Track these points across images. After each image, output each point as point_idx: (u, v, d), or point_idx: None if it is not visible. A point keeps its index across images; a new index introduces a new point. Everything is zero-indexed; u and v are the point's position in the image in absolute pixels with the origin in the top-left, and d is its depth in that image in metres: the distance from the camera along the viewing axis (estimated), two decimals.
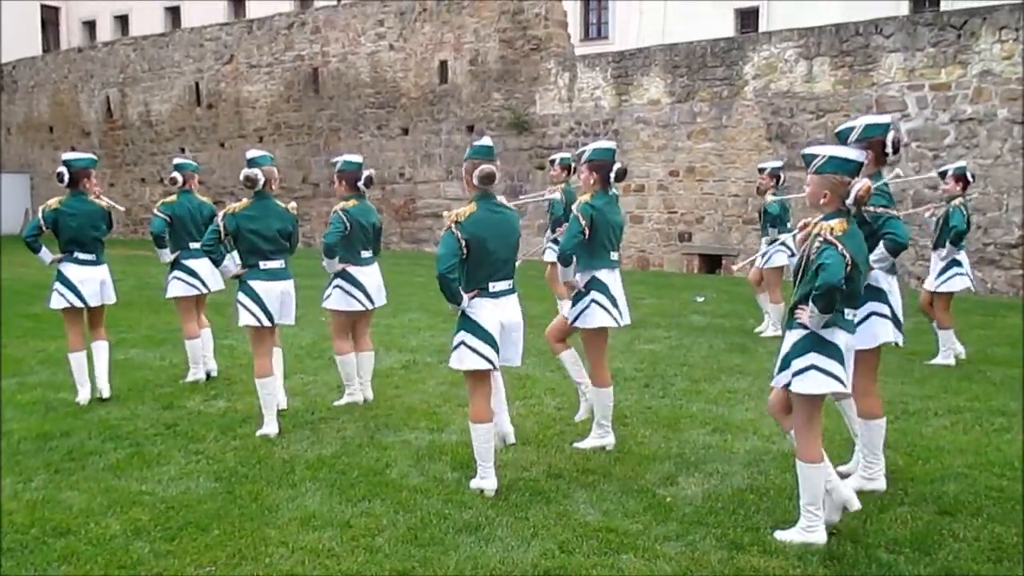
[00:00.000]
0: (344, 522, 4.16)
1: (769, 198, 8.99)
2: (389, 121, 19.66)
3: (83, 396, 6.37)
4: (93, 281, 6.39)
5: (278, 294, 5.69)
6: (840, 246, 3.69)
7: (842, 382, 3.81)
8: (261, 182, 5.63)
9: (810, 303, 3.73)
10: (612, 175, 5.05)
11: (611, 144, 5.27)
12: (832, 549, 3.82)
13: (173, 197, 7.17)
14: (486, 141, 4.72)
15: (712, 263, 15.94)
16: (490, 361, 4.47)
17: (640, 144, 16.35)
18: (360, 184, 6.19)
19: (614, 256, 5.21)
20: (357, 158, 6.42)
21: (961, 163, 8.22)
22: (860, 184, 3.76)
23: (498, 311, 4.53)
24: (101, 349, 6.53)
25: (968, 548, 3.84)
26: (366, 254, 6.23)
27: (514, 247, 4.66)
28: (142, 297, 12.57)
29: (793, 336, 3.90)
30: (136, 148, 24.13)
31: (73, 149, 25.34)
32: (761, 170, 9.34)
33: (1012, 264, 13.11)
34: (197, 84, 22.72)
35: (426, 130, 19.14)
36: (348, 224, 6.01)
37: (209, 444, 5.39)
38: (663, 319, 10.05)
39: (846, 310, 3.88)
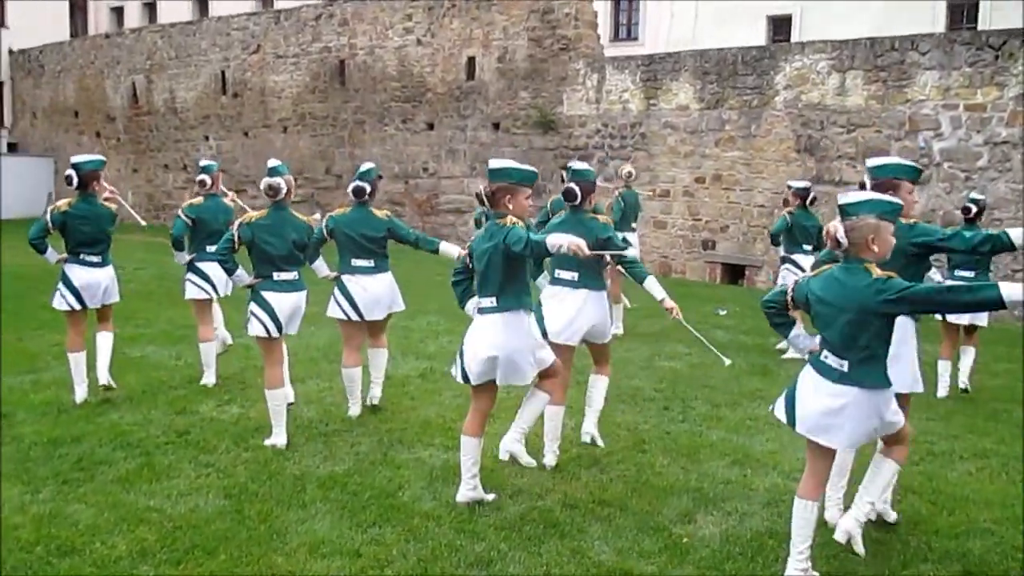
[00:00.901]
0: (353, 551, 4.07)
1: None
2: (415, 115, 19.57)
3: (80, 395, 6.37)
4: (96, 285, 6.34)
5: (290, 306, 5.61)
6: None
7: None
8: (284, 191, 5.55)
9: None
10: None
11: None
12: None
13: (200, 199, 7.09)
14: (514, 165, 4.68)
15: (735, 273, 15.75)
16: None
17: (667, 149, 16.16)
18: (359, 193, 6.11)
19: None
20: (366, 166, 6.37)
21: (976, 195, 7.93)
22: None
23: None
24: (104, 340, 6.47)
25: None
26: (359, 263, 6.10)
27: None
28: (161, 288, 12.57)
29: None
30: (160, 135, 24.18)
31: (98, 135, 25.50)
32: (790, 187, 9.18)
33: None
34: (223, 73, 22.71)
35: (451, 126, 19.03)
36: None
37: (220, 456, 5.33)
38: (684, 333, 9.86)
39: (829, 354, 3.77)
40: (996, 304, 3.51)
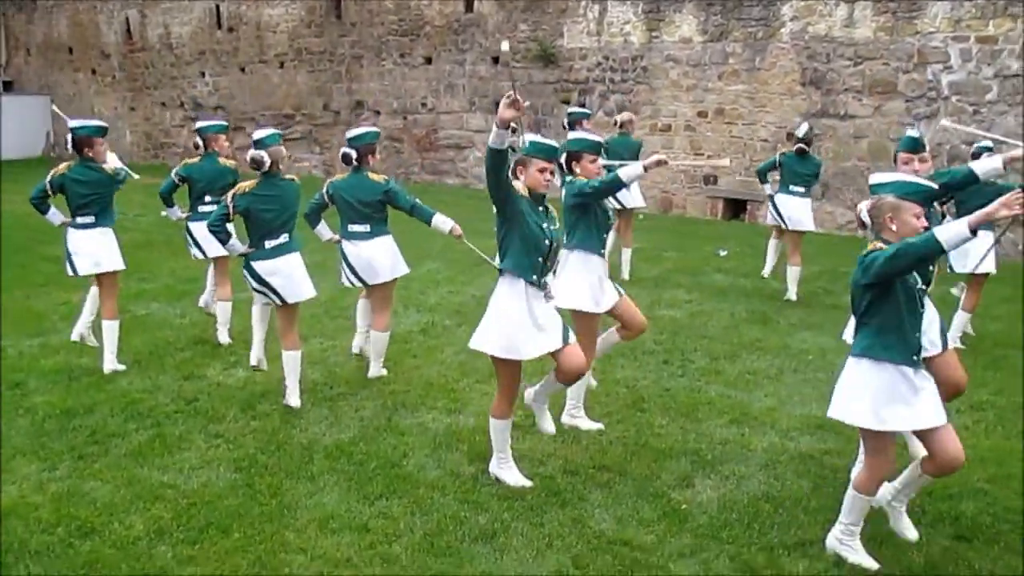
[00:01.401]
0: (362, 525, 4.21)
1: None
2: (412, 50, 19.24)
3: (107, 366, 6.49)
4: (88, 254, 6.37)
5: (285, 270, 5.67)
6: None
7: None
8: (267, 164, 5.54)
9: None
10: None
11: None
12: None
13: (196, 159, 7.11)
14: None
15: (737, 208, 15.71)
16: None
17: (669, 83, 15.92)
18: (347, 160, 6.09)
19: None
20: (358, 130, 6.28)
21: (986, 143, 7.85)
22: None
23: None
24: (108, 330, 6.47)
25: None
26: (355, 228, 6.13)
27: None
28: (162, 236, 12.54)
29: None
30: (156, 72, 23.82)
31: (94, 72, 25.13)
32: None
33: None
34: (217, 7, 22.23)
35: (450, 60, 18.73)
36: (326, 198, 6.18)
37: (229, 425, 5.45)
38: (685, 277, 9.96)
39: None
40: (938, 251, 3.53)
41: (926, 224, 3.77)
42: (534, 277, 4.45)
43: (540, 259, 4.44)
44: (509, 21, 17.78)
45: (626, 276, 9.58)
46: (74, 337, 6.78)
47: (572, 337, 4.56)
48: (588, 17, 16.84)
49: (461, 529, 4.17)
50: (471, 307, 8.29)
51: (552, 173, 4.48)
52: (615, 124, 10.24)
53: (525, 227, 4.38)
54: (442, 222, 5.92)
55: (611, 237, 9.12)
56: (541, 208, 4.49)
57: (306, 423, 5.46)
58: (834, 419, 5.49)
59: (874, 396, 3.80)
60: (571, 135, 5.48)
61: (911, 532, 4.18)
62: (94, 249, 6.39)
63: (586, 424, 5.39)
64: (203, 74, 22.73)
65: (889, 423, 3.78)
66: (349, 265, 6.12)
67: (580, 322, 5.15)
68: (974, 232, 3.41)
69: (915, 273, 3.79)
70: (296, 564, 3.88)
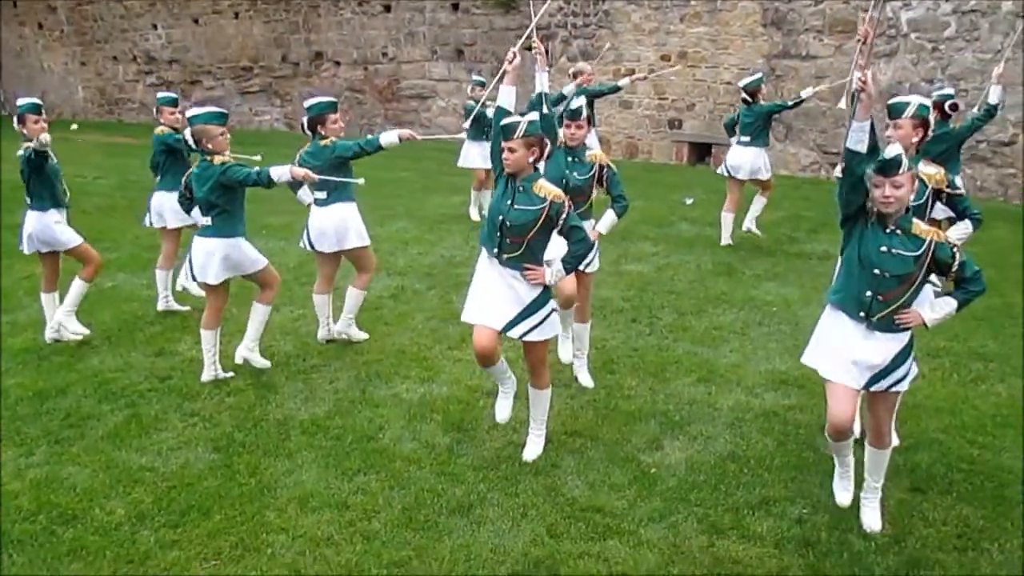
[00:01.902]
0: (341, 502, 4.30)
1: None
2: None
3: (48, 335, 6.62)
4: (30, 230, 6.39)
5: (212, 258, 5.64)
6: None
7: None
8: (194, 143, 5.54)
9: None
10: None
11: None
12: (808, 536, 4.01)
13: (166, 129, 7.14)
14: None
15: (702, 152, 15.77)
16: None
17: (631, 27, 15.82)
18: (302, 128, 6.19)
19: None
20: (310, 100, 6.24)
21: (948, 90, 8.01)
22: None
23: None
24: (46, 300, 6.64)
25: (936, 534, 4.03)
26: (317, 195, 6.16)
27: None
28: (125, 200, 12.37)
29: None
30: (106, 24, 23.14)
31: (40, 27, 24.34)
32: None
33: (1003, 163, 13.04)
34: None
35: (409, 7, 18.41)
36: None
37: (204, 402, 5.49)
38: (651, 229, 10.05)
39: None
40: (850, 154, 3.77)
41: (887, 194, 3.78)
42: (494, 251, 4.50)
43: (497, 234, 4.46)
44: None
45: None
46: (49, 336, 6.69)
47: (527, 330, 4.48)
48: None
49: (438, 502, 4.29)
50: (440, 268, 8.35)
51: (511, 151, 4.40)
52: (572, 74, 10.16)
53: (492, 203, 4.53)
54: (391, 138, 5.96)
55: None
56: (516, 187, 4.45)
57: (281, 398, 5.52)
58: (797, 374, 5.72)
59: (817, 335, 4.05)
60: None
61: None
62: (31, 229, 6.43)
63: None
64: (155, 26, 22.15)
65: (808, 358, 4.06)
66: (307, 228, 6.23)
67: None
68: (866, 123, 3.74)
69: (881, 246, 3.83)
70: (278, 544, 3.98)
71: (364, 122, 19.13)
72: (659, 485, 4.46)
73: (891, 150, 3.76)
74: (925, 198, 4.58)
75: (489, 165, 10.25)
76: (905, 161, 3.73)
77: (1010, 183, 13.01)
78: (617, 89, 10.45)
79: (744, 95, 9.11)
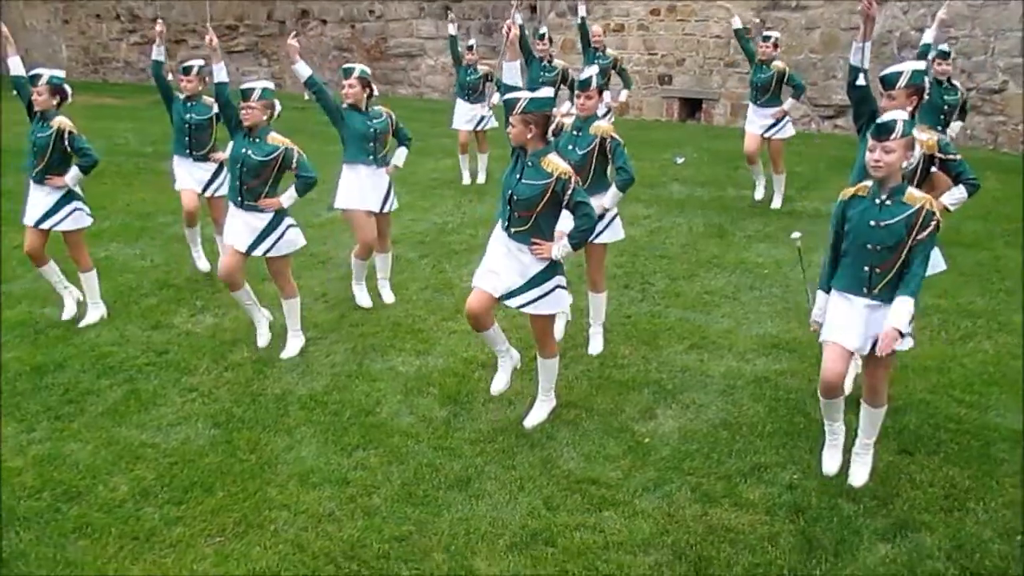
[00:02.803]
0: (341, 478, 4.38)
1: (779, 64, 8.89)
2: None
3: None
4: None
5: None
6: None
7: None
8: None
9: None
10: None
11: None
12: (799, 501, 4.11)
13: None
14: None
15: (692, 107, 15.70)
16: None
17: None
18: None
19: None
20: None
21: (943, 47, 7.98)
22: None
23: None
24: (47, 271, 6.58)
25: (923, 496, 4.14)
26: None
27: None
28: (112, 165, 12.21)
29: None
30: None
31: None
32: (766, 38, 9.01)
33: (993, 110, 13.02)
34: None
35: None
36: None
37: (202, 376, 5.54)
38: (643, 191, 10.03)
39: None
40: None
41: (876, 158, 3.85)
42: (505, 224, 4.62)
43: (507, 208, 4.58)
44: None
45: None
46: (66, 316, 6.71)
47: (526, 302, 4.59)
48: None
49: (437, 476, 4.37)
50: (433, 236, 8.37)
51: (512, 126, 4.47)
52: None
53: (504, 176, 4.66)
54: (300, 68, 6.14)
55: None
56: (525, 162, 4.51)
57: (279, 372, 5.58)
58: (787, 338, 5.80)
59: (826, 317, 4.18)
60: None
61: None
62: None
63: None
64: None
65: (815, 317, 4.28)
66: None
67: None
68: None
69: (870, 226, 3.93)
70: (281, 520, 4.06)
71: None
72: (653, 455, 4.55)
73: (889, 114, 3.87)
74: (916, 163, 4.58)
75: (470, 127, 10.43)
76: (900, 128, 3.78)
77: (1000, 131, 13.02)
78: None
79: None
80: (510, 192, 4.54)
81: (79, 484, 4.40)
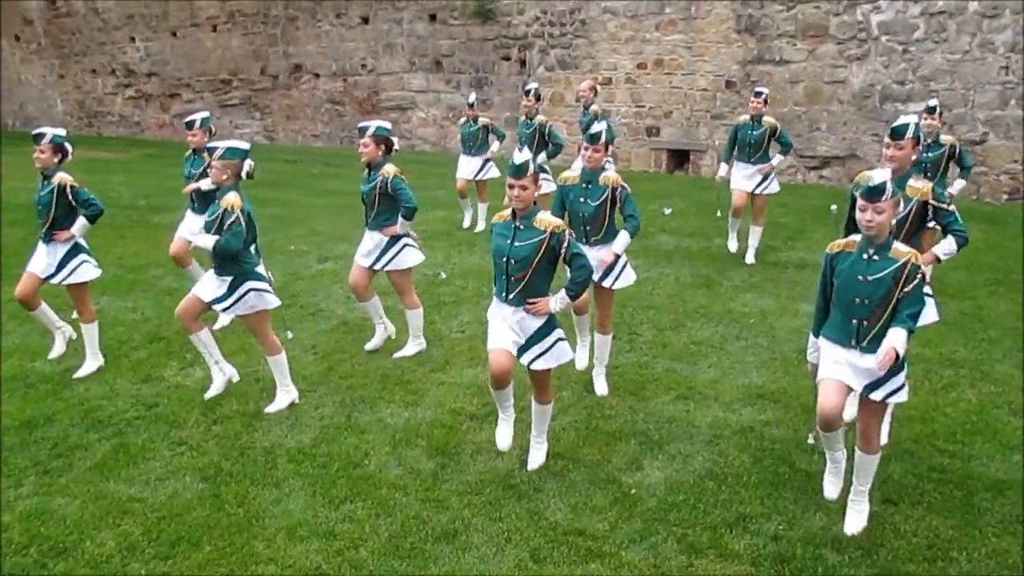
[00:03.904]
0: (328, 531, 4.39)
1: (770, 120, 9.04)
2: (348, 9, 18.92)
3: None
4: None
5: None
6: None
7: None
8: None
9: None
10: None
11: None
12: (783, 552, 4.14)
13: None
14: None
15: (680, 159, 15.93)
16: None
17: (607, 35, 15.96)
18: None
19: None
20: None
21: (932, 102, 8.20)
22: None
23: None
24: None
25: (907, 546, 4.17)
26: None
27: None
28: (105, 217, 12.17)
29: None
30: (84, 37, 23.09)
31: (17, 39, 24.26)
32: (758, 94, 9.16)
33: (974, 162, 13.23)
34: None
35: (387, 19, 18.48)
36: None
37: (191, 431, 5.56)
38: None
39: None
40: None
41: (868, 218, 3.99)
42: (502, 295, 4.73)
43: (503, 277, 4.69)
44: None
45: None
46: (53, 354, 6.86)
47: (534, 357, 4.73)
48: None
49: (424, 529, 4.38)
50: (423, 288, 8.41)
51: (523, 188, 4.56)
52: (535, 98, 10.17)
53: (492, 246, 4.75)
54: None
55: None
56: (515, 225, 4.63)
57: (267, 425, 5.60)
58: (773, 388, 5.86)
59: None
60: None
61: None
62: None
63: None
64: (133, 39, 22.13)
65: (810, 357, 4.47)
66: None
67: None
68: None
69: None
70: (268, 575, 4.07)
71: (344, 134, 19.18)
72: (639, 506, 4.57)
73: (877, 176, 4.00)
74: (908, 210, 4.84)
75: (469, 177, 10.66)
76: (889, 188, 3.96)
77: (982, 181, 13.23)
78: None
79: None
80: (505, 257, 4.64)
81: (66, 540, 4.40)
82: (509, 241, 4.63)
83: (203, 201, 7.24)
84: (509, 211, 4.70)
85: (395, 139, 6.54)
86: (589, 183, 5.62)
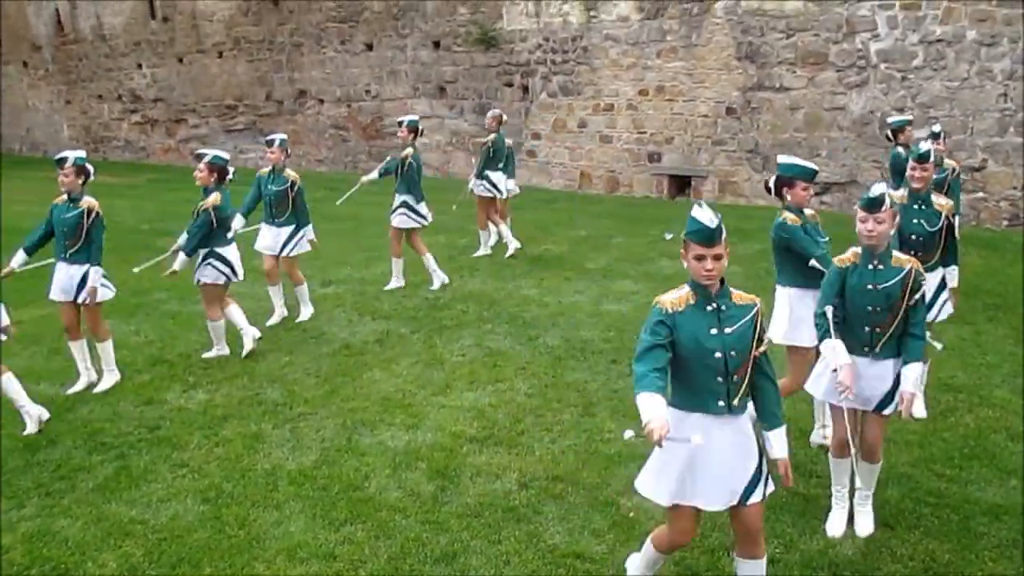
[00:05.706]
0: (328, 553, 4.42)
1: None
2: (353, 36, 19.13)
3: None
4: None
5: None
6: None
7: None
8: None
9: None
10: None
11: None
12: None
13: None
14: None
15: (681, 184, 16.03)
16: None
17: (609, 62, 16.11)
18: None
19: None
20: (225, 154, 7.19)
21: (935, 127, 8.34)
22: None
23: None
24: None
25: (904, 570, 4.19)
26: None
27: None
28: (108, 241, 12.35)
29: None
30: (91, 63, 23.35)
31: (25, 65, 24.56)
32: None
33: (974, 187, 13.33)
34: None
35: (391, 45, 18.67)
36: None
37: (193, 452, 5.60)
38: (632, 266, 10.24)
39: None
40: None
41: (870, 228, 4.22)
42: (720, 404, 3.46)
43: (717, 380, 3.43)
44: (448, 4, 17.77)
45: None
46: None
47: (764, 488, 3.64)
48: None
49: (423, 551, 4.41)
50: (425, 311, 8.49)
51: (717, 258, 3.32)
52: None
53: (680, 344, 3.40)
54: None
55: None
56: (717, 305, 3.42)
57: (268, 447, 5.63)
58: None
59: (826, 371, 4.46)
60: (783, 159, 5.19)
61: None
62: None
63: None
64: (140, 65, 22.37)
65: (817, 391, 4.60)
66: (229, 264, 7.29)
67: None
68: None
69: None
70: None
71: (349, 159, 19.33)
72: (638, 529, 4.59)
73: (875, 188, 4.25)
74: (940, 225, 5.53)
75: (491, 195, 10.69)
76: (888, 200, 4.22)
77: (981, 207, 13.30)
78: None
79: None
80: (719, 355, 3.39)
81: (68, 561, 4.43)
82: (715, 331, 3.41)
83: (280, 209, 7.96)
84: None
85: (231, 169, 7.19)
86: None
